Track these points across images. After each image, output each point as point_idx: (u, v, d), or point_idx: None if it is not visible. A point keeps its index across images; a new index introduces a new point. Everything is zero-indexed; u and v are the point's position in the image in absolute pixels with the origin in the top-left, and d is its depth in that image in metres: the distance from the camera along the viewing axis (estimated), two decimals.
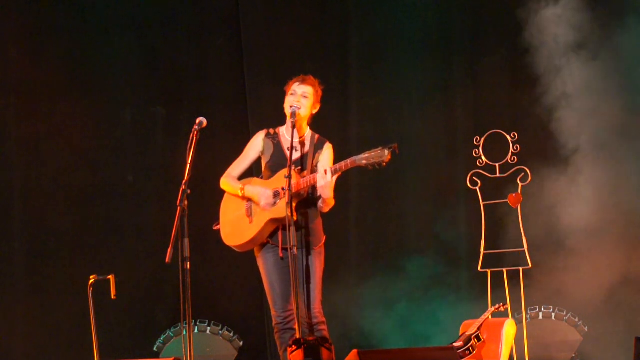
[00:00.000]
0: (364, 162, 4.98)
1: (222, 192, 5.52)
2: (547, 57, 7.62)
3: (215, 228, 5.52)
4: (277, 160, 5.34)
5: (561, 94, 7.59)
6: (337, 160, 5.25)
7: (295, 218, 5.11)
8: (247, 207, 5.35)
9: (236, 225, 5.38)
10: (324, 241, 5.38)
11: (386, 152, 4.91)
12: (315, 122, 5.51)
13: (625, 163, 7.45)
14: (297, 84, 5.36)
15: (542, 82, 7.62)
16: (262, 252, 5.37)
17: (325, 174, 5.05)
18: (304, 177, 5.20)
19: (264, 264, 5.36)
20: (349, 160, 5.04)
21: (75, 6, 7.95)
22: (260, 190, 5.28)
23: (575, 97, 7.60)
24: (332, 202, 5.26)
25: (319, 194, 5.19)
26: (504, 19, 7.70)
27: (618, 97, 7.47)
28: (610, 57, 7.42)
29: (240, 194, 5.35)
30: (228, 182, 5.44)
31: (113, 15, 7.99)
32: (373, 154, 4.95)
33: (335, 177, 5.09)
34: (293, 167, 5.13)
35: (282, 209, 5.02)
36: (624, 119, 7.47)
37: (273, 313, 5.36)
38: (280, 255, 5.20)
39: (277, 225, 5.25)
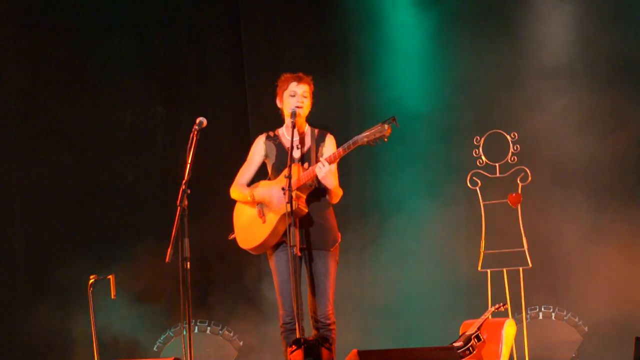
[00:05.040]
0: (366, 139, 4.98)
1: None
2: (548, 55, 7.65)
3: (231, 237, 5.50)
4: (282, 160, 5.33)
5: (562, 94, 7.61)
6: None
7: (306, 210, 5.15)
8: (258, 208, 5.35)
9: (251, 228, 5.36)
10: (339, 241, 5.38)
11: (386, 126, 4.94)
12: (315, 122, 5.51)
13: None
14: (294, 84, 5.35)
15: (543, 81, 7.63)
16: (275, 252, 5.35)
17: (322, 166, 5.05)
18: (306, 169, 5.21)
19: (276, 262, 5.34)
20: (350, 142, 5.04)
21: (75, 6, 7.95)
22: (268, 190, 5.28)
23: (576, 97, 7.61)
24: (339, 192, 5.27)
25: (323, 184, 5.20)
26: (503, 18, 7.71)
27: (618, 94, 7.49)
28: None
29: (250, 199, 5.34)
30: (237, 190, 5.43)
31: (113, 15, 8.00)
32: (374, 130, 4.97)
33: (335, 164, 5.11)
34: (299, 164, 5.17)
35: (292, 203, 5.02)
36: (623, 117, 7.49)
37: (281, 312, 5.33)
38: (298, 254, 5.07)
39: (290, 222, 5.18)
